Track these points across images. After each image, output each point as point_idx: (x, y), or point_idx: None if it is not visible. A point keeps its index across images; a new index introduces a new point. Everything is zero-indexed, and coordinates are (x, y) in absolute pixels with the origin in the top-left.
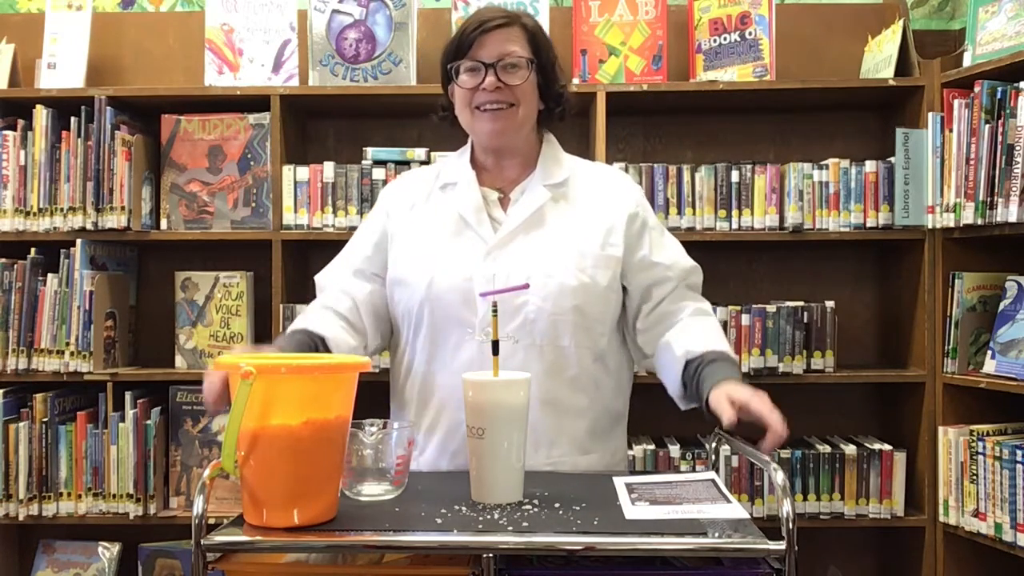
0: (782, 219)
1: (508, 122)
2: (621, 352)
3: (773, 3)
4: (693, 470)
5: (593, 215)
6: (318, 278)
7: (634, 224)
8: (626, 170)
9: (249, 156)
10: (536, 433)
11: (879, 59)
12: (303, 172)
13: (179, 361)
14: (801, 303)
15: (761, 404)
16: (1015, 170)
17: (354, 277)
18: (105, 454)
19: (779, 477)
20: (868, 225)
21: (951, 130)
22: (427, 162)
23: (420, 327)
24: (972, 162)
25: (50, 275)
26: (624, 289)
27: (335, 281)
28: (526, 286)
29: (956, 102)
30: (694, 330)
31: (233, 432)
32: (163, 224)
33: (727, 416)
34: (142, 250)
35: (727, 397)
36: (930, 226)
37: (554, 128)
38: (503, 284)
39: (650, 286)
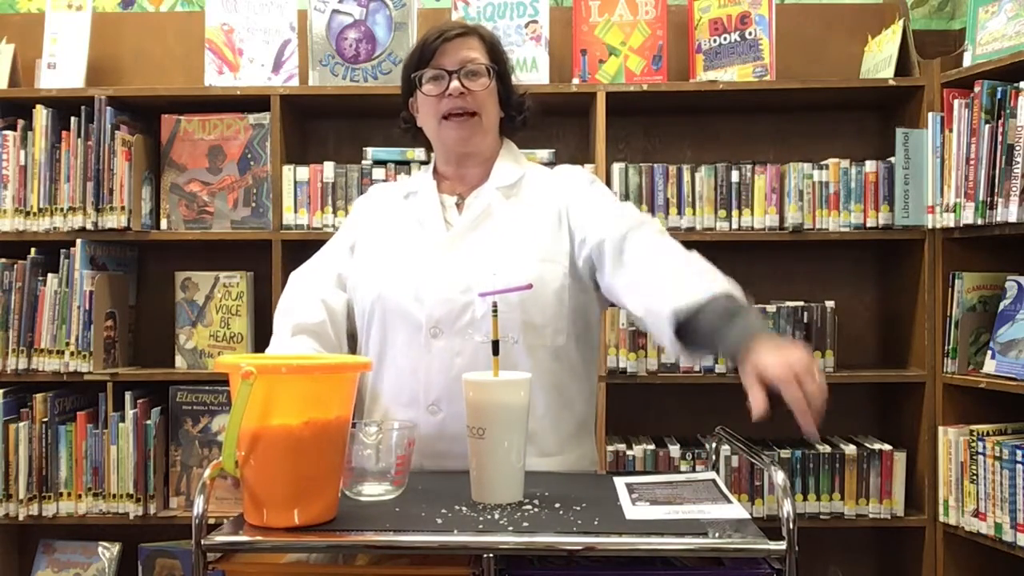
0: (782, 219)
1: (474, 129)
2: (589, 356)
3: (773, 3)
4: (693, 470)
5: (542, 212)
6: (295, 278)
7: (579, 205)
8: (626, 170)
9: (249, 156)
10: None
11: (879, 59)
12: (303, 172)
13: (179, 361)
14: (801, 303)
15: (789, 385)
16: (1015, 170)
17: (335, 286)
18: (105, 454)
19: (779, 477)
20: (868, 225)
21: (951, 130)
22: (427, 162)
23: (371, 326)
24: (972, 162)
25: (50, 275)
26: (590, 267)
27: (314, 288)
28: (529, 286)
29: (956, 102)
30: (676, 278)
31: (233, 432)
32: (163, 224)
33: (756, 409)
34: (142, 250)
35: (756, 378)
36: (930, 226)
37: (548, 130)
38: (462, 284)
39: (601, 241)
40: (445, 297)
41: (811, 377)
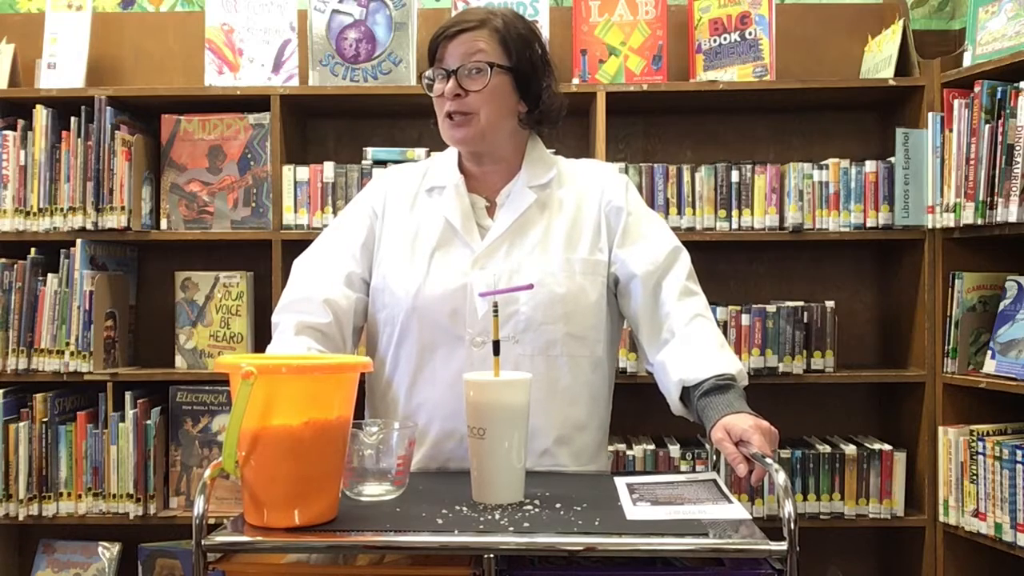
0: (782, 219)
1: (469, 130)
2: (615, 362)
3: (773, 3)
4: (693, 470)
5: (581, 221)
6: (300, 270)
7: (617, 222)
8: (626, 170)
9: (249, 156)
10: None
11: (879, 59)
12: (303, 172)
13: (179, 361)
14: (801, 303)
15: (760, 444)
16: (1015, 170)
17: (344, 285)
18: (105, 454)
19: (780, 478)
20: (868, 225)
21: (951, 130)
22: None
23: (405, 338)
24: (972, 162)
25: (50, 275)
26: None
27: (321, 286)
28: (530, 286)
29: (956, 102)
30: (689, 348)
31: (234, 432)
32: (163, 224)
33: (740, 471)
34: (142, 250)
35: (728, 438)
36: (930, 226)
37: (551, 129)
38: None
39: (633, 276)
40: (487, 311)
41: (762, 433)
